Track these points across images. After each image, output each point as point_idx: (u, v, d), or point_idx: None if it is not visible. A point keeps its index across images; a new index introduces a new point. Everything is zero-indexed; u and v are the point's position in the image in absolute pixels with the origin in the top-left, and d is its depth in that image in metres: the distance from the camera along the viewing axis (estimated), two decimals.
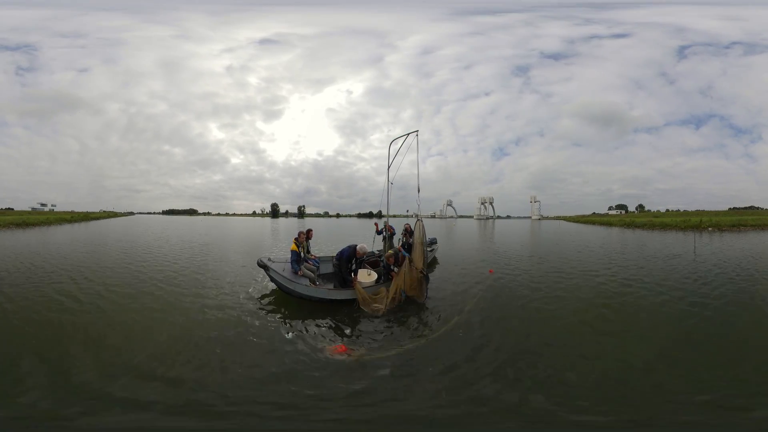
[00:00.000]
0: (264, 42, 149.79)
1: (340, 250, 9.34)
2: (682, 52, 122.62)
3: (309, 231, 10.90)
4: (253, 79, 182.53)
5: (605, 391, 4.67)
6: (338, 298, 8.52)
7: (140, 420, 4.04)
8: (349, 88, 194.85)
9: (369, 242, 11.80)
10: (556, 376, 5.08)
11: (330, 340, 6.40)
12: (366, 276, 9.20)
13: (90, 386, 4.65)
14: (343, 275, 8.97)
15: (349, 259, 9.09)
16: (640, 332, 6.86)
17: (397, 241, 12.00)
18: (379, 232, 12.29)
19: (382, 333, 6.89)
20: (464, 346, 6.14)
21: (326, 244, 21.92)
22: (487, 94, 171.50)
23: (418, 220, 9.53)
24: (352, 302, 8.39)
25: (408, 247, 10.75)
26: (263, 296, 9.18)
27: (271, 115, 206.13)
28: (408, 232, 11.95)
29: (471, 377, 5.05)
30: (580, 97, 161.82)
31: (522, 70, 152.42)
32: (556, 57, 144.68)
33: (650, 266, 14.28)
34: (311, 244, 11.05)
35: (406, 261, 8.87)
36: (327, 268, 10.62)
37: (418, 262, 9.01)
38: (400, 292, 8.59)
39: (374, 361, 5.59)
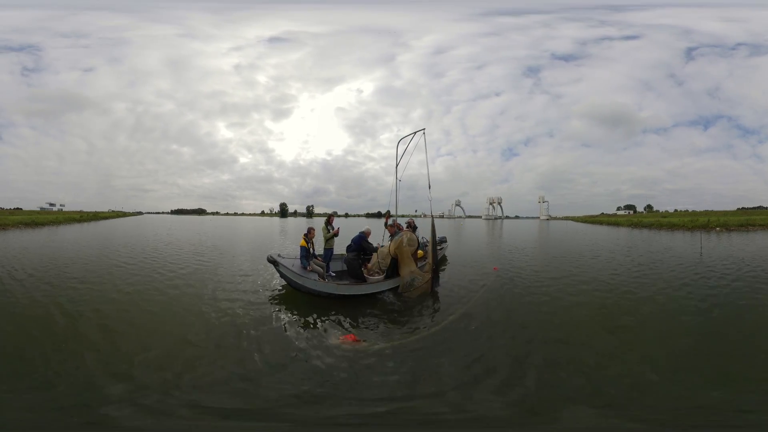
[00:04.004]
0: (273, 40, 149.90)
1: (348, 244, 9.62)
2: (689, 54, 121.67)
3: (330, 217, 11.21)
4: (261, 78, 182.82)
5: (617, 390, 4.66)
6: (347, 293, 8.69)
7: (157, 408, 4.24)
8: (359, 87, 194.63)
9: (378, 242, 11.94)
10: (562, 372, 5.18)
11: (339, 331, 6.62)
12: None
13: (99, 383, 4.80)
14: (361, 259, 9.48)
15: (364, 249, 9.59)
16: (647, 329, 6.96)
17: None
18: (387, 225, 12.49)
19: (390, 325, 7.14)
20: (468, 339, 6.32)
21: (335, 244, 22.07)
22: (497, 95, 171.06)
23: (432, 221, 9.74)
24: (359, 298, 8.57)
25: None
26: (273, 291, 9.41)
27: (280, 114, 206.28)
28: (411, 226, 12.12)
29: (473, 369, 5.19)
30: (589, 98, 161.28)
31: (533, 71, 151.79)
32: (566, 58, 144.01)
33: (652, 264, 14.30)
34: (333, 227, 11.13)
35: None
36: (335, 267, 10.75)
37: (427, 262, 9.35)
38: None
39: (382, 350, 5.79)
